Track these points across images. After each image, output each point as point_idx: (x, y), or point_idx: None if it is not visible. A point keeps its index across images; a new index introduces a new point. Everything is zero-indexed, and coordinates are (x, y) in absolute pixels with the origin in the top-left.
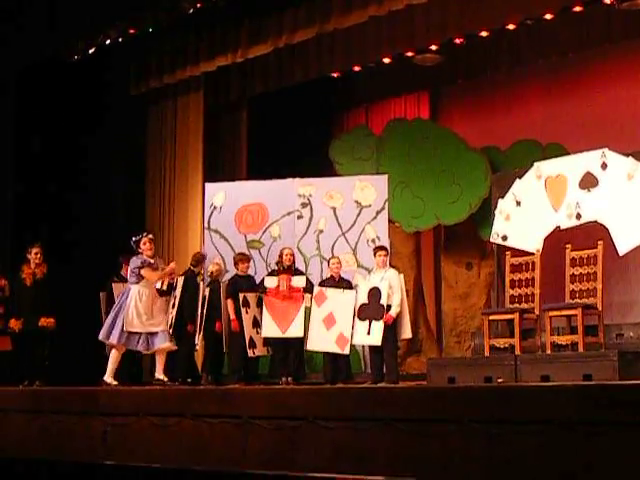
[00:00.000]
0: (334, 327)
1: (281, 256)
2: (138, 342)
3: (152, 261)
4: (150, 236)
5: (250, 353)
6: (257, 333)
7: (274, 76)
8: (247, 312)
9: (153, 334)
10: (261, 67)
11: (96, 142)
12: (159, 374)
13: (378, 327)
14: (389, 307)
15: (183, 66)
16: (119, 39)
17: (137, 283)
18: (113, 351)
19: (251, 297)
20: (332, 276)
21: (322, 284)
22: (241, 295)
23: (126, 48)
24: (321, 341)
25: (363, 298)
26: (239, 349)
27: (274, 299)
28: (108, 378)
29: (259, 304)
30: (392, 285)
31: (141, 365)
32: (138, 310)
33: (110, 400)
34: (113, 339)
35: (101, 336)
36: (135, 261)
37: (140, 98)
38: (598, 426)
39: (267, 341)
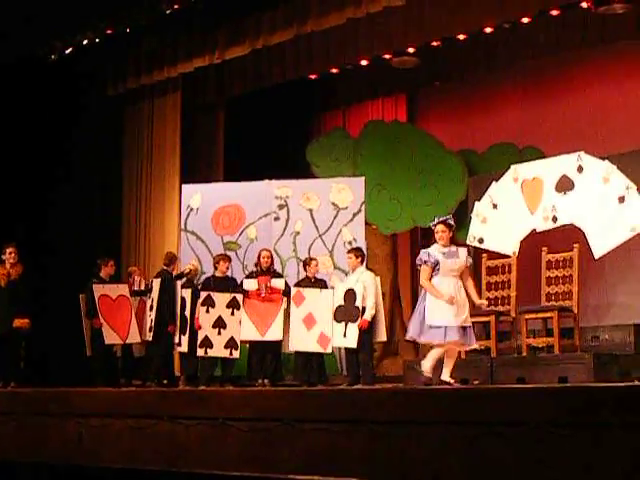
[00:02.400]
0: (315, 327)
1: (259, 258)
2: None
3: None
4: None
5: (200, 352)
6: (218, 334)
7: (252, 78)
8: (208, 311)
9: None
10: (239, 69)
11: (73, 142)
12: None
13: (354, 329)
14: (364, 309)
15: (160, 67)
16: (96, 39)
17: None
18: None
19: (221, 297)
20: (307, 277)
21: (298, 284)
22: (204, 293)
23: (103, 48)
24: (303, 341)
25: (339, 300)
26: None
27: (254, 301)
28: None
29: (231, 305)
30: (367, 287)
31: (117, 366)
32: None
33: (85, 402)
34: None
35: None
36: None
37: (117, 98)
38: (573, 428)
39: (233, 344)
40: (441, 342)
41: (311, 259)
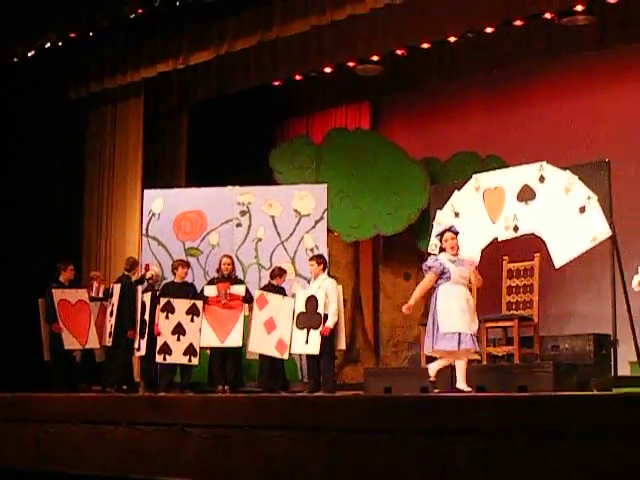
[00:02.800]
0: (274, 332)
1: (220, 264)
2: None
3: None
4: None
5: (159, 359)
6: (177, 340)
7: (215, 83)
8: (168, 317)
9: None
10: (202, 74)
11: (34, 146)
12: None
13: (316, 336)
14: (326, 316)
15: (124, 71)
16: (59, 42)
17: None
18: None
19: (181, 303)
20: (271, 283)
21: (262, 289)
22: (164, 300)
23: (66, 52)
24: (262, 344)
25: (301, 306)
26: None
27: (214, 307)
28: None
29: (191, 312)
30: (328, 294)
31: (76, 371)
32: None
33: (43, 406)
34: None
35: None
36: None
37: (80, 102)
38: (532, 437)
39: (192, 350)
40: (454, 349)
41: (283, 271)
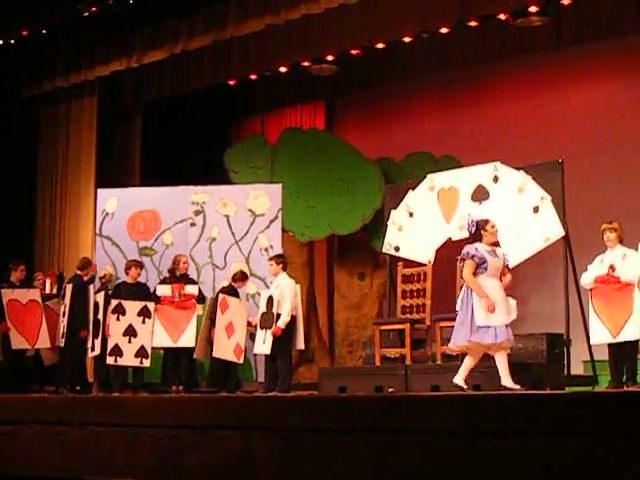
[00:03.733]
0: (233, 336)
1: (177, 263)
2: None
3: None
4: None
5: (110, 361)
6: (129, 342)
7: (170, 82)
8: (119, 319)
9: None
10: (157, 73)
11: None
12: None
13: (270, 336)
14: (279, 316)
15: (77, 70)
16: (11, 40)
17: None
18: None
19: (132, 305)
20: (231, 285)
21: (223, 292)
22: (115, 302)
23: (19, 50)
24: (224, 349)
25: (262, 307)
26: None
27: (167, 307)
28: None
29: (142, 314)
30: (283, 294)
31: (29, 372)
32: None
33: None
34: None
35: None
36: None
37: (32, 101)
38: (486, 436)
39: (144, 353)
40: (492, 342)
41: (245, 276)
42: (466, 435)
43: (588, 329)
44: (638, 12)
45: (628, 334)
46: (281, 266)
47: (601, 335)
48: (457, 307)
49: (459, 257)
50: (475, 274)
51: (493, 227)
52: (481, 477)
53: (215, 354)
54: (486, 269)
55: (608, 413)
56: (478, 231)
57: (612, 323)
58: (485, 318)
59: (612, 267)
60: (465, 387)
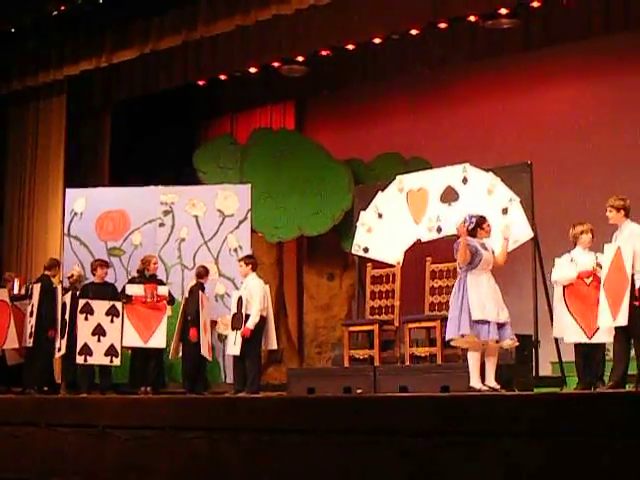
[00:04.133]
0: (207, 334)
1: (147, 264)
2: None
3: None
4: None
5: (79, 360)
6: (98, 341)
7: (139, 82)
8: (87, 319)
9: None
10: (126, 73)
11: None
12: None
13: (239, 337)
14: (248, 317)
15: (46, 69)
16: None
17: None
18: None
19: (100, 304)
20: (200, 282)
21: (196, 290)
22: (82, 301)
23: None
24: (206, 347)
25: (234, 308)
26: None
27: (138, 307)
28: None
29: (110, 313)
30: (252, 294)
31: None
32: None
33: None
34: None
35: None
36: None
37: (0, 100)
38: (454, 436)
39: (114, 351)
40: (485, 338)
41: (207, 270)
42: (434, 436)
43: (554, 327)
44: (606, 14)
45: (602, 336)
46: (250, 267)
47: (575, 334)
48: (450, 300)
49: (454, 247)
50: (469, 268)
51: (489, 226)
52: (448, 477)
53: (203, 352)
54: (480, 262)
55: (576, 414)
56: (476, 227)
57: (586, 324)
58: (480, 313)
59: (599, 265)
60: (495, 386)
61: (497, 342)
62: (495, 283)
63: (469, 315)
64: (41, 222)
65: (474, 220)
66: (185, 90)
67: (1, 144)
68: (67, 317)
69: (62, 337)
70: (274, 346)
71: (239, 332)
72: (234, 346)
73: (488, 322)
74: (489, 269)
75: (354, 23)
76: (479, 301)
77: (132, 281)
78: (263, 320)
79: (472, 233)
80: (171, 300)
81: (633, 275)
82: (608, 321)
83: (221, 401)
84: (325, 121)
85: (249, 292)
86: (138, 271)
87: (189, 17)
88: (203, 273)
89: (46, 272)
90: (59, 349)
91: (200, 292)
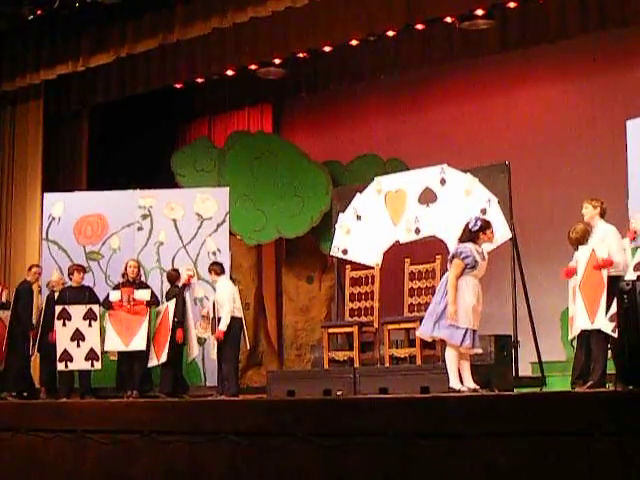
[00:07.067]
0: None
1: (126, 268)
2: None
3: None
4: None
5: (60, 366)
6: (77, 347)
7: (116, 86)
8: (65, 325)
9: None
10: (103, 76)
11: None
12: None
13: (213, 340)
14: (219, 320)
15: (23, 73)
16: None
17: None
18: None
19: (77, 309)
20: (176, 285)
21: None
22: (59, 307)
23: None
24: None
25: (211, 312)
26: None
27: (119, 312)
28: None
29: (88, 317)
30: (221, 297)
31: None
32: None
33: None
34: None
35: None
36: None
37: None
38: (434, 437)
39: (94, 355)
40: (457, 344)
41: (178, 272)
42: (414, 437)
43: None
44: (583, 15)
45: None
46: (214, 273)
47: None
48: (435, 298)
49: (451, 253)
50: (462, 274)
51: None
52: (430, 478)
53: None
54: (474, 268)
55: (556, 414)
56: (478, 231)
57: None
58: (460, 319)
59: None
60: (474, 387)
61: (471, 349)
62: (480, 289)
63: (443, 316)
64: (19, 227)
65: (479, 223)
66: (162, 93)
67: None
68: (41, 321)
69: (33, 343)
70: (247, 347)
71: (213, 335)
72: (212, 350)
73: (466, 329)
74: (481, 276)
75: (331, 25)
76: (464, 307)
77: (116, 287)
78: (236, 321)
79: (473, 236)
80: (155, 302)
81: (610, 277)
82: (586, 324)
83: (200, 404)
84: (303, 123)
85: (219, 295)
86: (122, 276)
87: (165, 20)
88: (175, 276)
89: (27, 277)
90: (32, 353)
91: (185, 293)
